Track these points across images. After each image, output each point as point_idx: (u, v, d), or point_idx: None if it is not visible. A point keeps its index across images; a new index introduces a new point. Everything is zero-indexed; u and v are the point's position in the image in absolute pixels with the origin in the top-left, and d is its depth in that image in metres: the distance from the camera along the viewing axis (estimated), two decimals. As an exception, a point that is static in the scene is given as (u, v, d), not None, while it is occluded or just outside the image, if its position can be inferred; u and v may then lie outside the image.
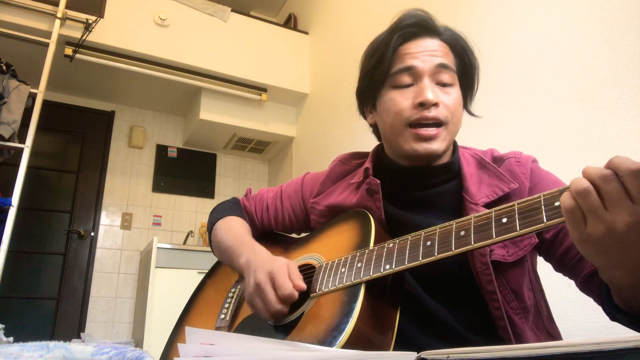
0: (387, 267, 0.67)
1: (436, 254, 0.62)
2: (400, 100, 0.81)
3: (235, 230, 0.97)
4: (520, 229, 0.55)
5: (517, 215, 0.56)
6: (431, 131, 0.78)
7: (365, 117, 0.95)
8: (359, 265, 0.70)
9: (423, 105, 0.78)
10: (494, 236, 0.57)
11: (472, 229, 0.60)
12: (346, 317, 0.63)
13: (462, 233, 0.61)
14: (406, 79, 0.81)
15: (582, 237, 0.51)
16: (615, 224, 0.48)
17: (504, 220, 0.57)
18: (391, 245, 0.70)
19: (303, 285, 0.73)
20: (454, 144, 0.89)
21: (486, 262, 0.73)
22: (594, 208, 0.48)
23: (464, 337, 0.74)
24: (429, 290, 0.77)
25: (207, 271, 1.07)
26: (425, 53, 0.81)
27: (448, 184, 0.84)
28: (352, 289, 0.68)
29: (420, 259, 0.64)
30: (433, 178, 0.84)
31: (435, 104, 0.78)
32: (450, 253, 0.61)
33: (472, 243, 0.59)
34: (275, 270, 0.74)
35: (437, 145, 0.79)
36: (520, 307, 0.74)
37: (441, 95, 0.80)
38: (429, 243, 0.64)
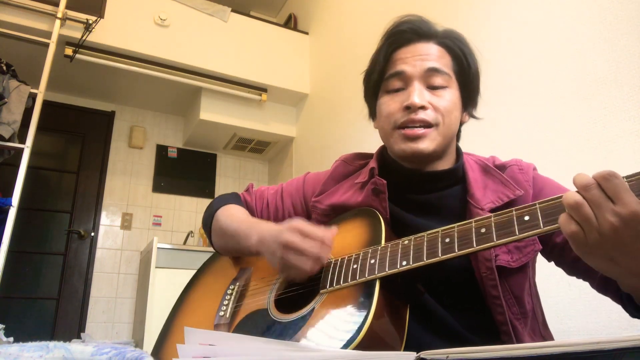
0: (404, 263, 0.66)
1: (457, 250, 0.62)
2: (390, 104, 0.84)
3: (238, 216, 0.95)
4: (544, 227, 0.56)
5: (539, 214, 0.58)
6: (418, 131, 0.80)
7: (374, 123, 0.97)
8: (373, 261, 0.70)
9: (409, 108, 0.80)
10: (517, 233, 0.58)
11: (493, 227, 0.61)
12: (362, 314, 0.63)
13: (483, 230, 0.62)
14: (397, 83, 0.84)
15: (586, 250, 0.54)
16: (602, 228, 0.51)
17: (526, 218, 0.58)
18: (406, 242, 0.69)
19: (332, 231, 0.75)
20: (459, 150, 0.90)
21: (491, 267, 0.73)
22: (587, 217, 0.51)
23: (466, 338, 0.74)
24: (433, 293, 0.77)
25: (200, 266, 1.05)
26: (416, 57, 0.83)
27: (452, 189, 0.84)
28: (366, 286, 0.67)
29: (440, 255, 0.64)
30: (437, 182, 0.84)
31: (422, 107, 0.79)
32: (472, 249, 0.61)
33: (495, 240, 0.60)
34: (296, 224, 0.74)
35: (424, 145, 0.80)
36: (520, 312, 0.75)
37: (431, 98, 0.81)
38: (447, 240, 0.64)
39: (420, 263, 0.65)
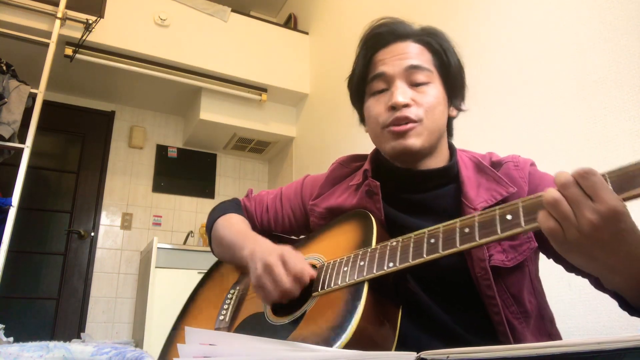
0: (391, 264, 0.67)
1: (440, 250, 0.62)
2: (376, 106, 0.85)
3: (236, 226, 0.97)
4: (525, 225, 0.56)
5: (521, 212, 0.57)
6: (404, 127, 0.80)
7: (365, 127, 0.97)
8: (362, 263, 0.70)
9: (394, 108, 0.81)
10: (499, 232, 0.58)
11: (476, 226, 0.61)
12: (349, 315, 0.63)
13: (467, 230, 0.62)
14: (380, 84, 0.85)
15: (565, 247, 0.54)
16: (581, 226, 0.51)
17: (509, 217, 0.58)
18: (394, 243, 0.70)
19: (312, 271, 0.74)
20: (452, 148, 0.90)
21: (485, 267, 0.73)
22: (565, 215, 0.52)
23: (464, 339, 0.74)
24: (429, 293, 0.77)
25: (206, 272, 1.07)
26: (395, 57, 0.84)
27: (446, 188, 0.84)
28: (355, 287, 0.68)
29: (425, 255, 0.64)
30: (430, 181, 0.85)
31: (406, 105, 0.80)
32: (455, 249, 0.61)
33: (477, 239, 0.60)
34: (285, 253, 0.75)
35: (412, 141, 0.80)
36: (520, 311, 0.75)
37: (414, 95, 0.82)
38: (432, 240, 0.65)
39: (406, 264, 0.65)
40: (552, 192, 0.53)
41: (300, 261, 0.74)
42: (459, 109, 0.91)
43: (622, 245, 0.52)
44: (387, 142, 0.83)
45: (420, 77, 0.83)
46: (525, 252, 0.76)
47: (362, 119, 0.95)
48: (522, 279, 0.77)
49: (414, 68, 0.83)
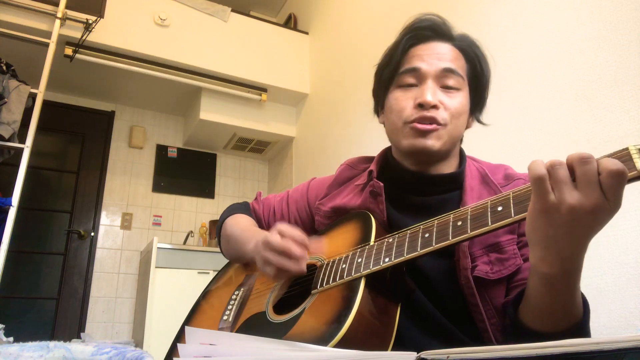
0: (387, 260, 0.67)
1: (434, 244, 0.63)
2: (402, 100, 0.83)
3: (242, 225, 0.99)
4: (515, 215, 0.56)
5: (512, 203, 0.57)
6: (428, 126, 0.80)
7: (378, 117, 0.96)
8: (359, 260, 0.71)
9: (422, 106, 0.80)
10: (490, 224, 0.58)
11: (468, 219, 0.61)
12: (345, 311, 0.63)
13: (460, 223, 0.62)
14: (410, 79, 0.83)
15: (546, 207, 0.52)
16: (584, 204, 0.50)
17: (499, 208, 0.59)
18: (390, 239, 0.71)
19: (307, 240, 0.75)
20: (462, 155, 0.90)
21: (467, 276, 0.74)
22: (562, 180, 0.50)
23: (462, 340, 0.74)
24: (425, 295, 0.77)
25: (207, 271, 1.08)
26: (433, 56, 0.83)
27: (450, 194, 0.84)
28: (352, 284, 0.68)
29: (419, 249, 0.64)
30: (436, 186, 0.85)
31: (434, 106, 0.79)
32: (447, 242, 0.62)
33: (469, 232, 0.60)
34: (278, 227, 0.77)
35: (432, 142, 0.80)
36: (502, 325, 0.74)
37: (443, 98, 0.81)
38: (427, 235, 0.65)
39: (401, 259, 0.66)
40: (556, 160, 0.51)
41: (296, 230, 0.76)
42: (479, 121, 0.91)
43: (588, 235, 0.52)
44: (406, 137, 0.82)
45: (452, 81, 0.82)
46: (510, 267, 0.75)
47: (378, 108, 0.94)
48: (505, 293, 0.76)
49: (449, 71, 0.82)
